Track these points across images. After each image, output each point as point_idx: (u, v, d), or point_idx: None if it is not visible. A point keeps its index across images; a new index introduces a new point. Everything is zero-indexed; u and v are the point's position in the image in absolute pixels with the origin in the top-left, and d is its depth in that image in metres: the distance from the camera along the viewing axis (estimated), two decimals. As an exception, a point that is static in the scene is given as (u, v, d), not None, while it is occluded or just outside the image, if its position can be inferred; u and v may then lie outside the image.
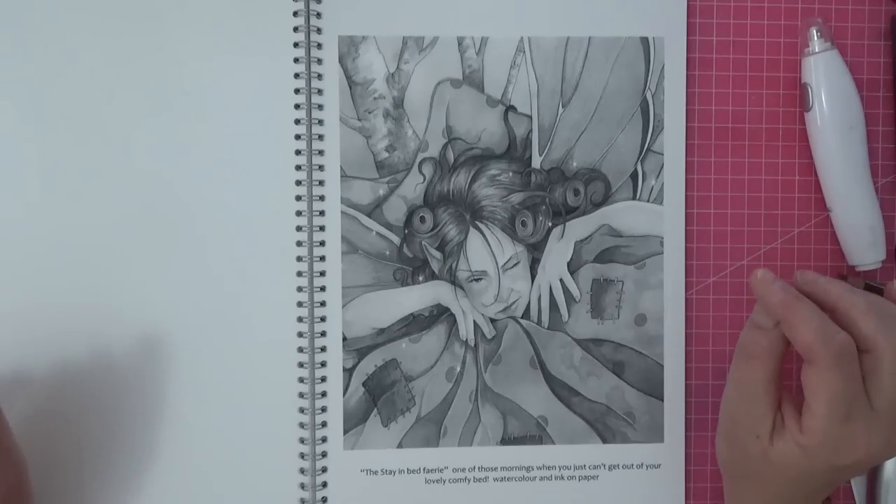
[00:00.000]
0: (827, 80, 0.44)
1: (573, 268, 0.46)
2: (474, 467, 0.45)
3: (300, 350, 0.44)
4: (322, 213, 0.44)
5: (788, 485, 0.37)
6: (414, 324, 0.45)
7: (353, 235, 0.45)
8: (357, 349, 0.45)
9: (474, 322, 0.45)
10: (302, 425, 0.44)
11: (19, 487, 0.38)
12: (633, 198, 0.46)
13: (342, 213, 0.45)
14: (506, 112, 0.45)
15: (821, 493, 0.38)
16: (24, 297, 0.43)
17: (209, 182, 0.44)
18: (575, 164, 0.45)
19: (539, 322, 0.46)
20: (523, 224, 0.45)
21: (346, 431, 0.45)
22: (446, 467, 0.45)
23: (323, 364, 0.45)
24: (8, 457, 0.38)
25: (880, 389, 0.35)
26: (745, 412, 0.37)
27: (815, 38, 0.44)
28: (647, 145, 0.45)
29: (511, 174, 0.45)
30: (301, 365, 0.44)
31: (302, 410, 0.44)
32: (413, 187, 0.45)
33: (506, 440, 0.46)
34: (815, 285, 0.37)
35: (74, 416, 0.44)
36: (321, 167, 0.44)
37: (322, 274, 0.44)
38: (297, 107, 0.44)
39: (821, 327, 0.34)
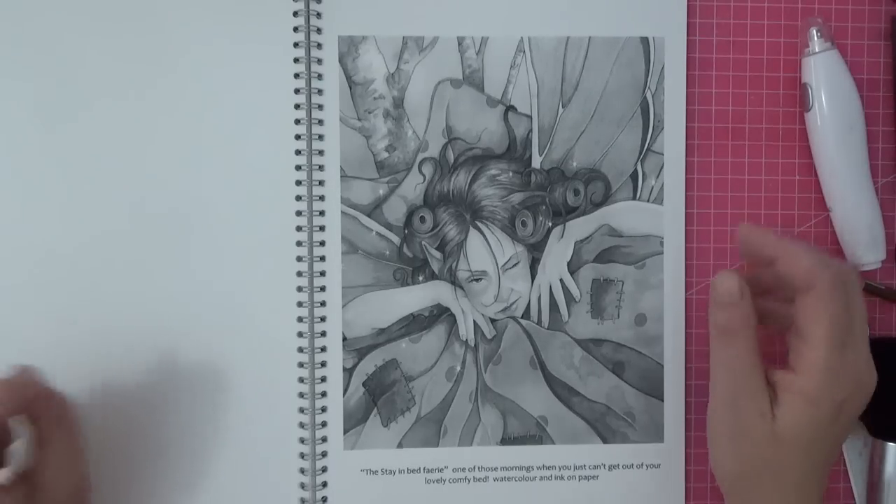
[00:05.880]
0: (827, 80, 0.44)
1: (573, 268, 0.46)
2: (474, 467, 0.45)
3: (300, 350, 0.44)
4: (322, 213, 0.44)
5: (799, 465, 0.36)
6: (414, 324, 0.45)
7: (353, 235, 0.45)
8: (357, 349, 0.45)
9: (474, 322, 0.45)
10: (302, 425, 0.44)
11: (82, 483, 0.38)
12: (633, 198, 0.46)
13: (342, 213, 0.45)
14: (506, 112, 0.45)
15: (828, 461, 0.37)
16: (25, 295, 0.44)
17: (209, 182, 0.44)
18: (575, 164, 0.45)
19: (539, 322, 0.46)
20: (523, 224, 0.45)
21: (346, 431, 0.45)
22: (446, 467, 0.45)
23: (323, 364, 0.45)
24: (79, 458, 0.38)
25: (856, 315, 0.36)
26: (743, 392, 0.37)
27: (815, 38, 0.44)
28: (647, 145, 0.45)
29: (511, 174, 0.45)
30: (301, 365, 0.44)
31: (302, 410, 0.44)
32: (413, 187, 0.45)
33: (506, 440, 0.46)
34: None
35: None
36: (321, 167, 0.44)
37: (322, 274, 0.45)
38: (297, 107, 0.44)
39: (819, 255, 0.36)
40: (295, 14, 0.44)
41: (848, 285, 0.36)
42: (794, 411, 0.36)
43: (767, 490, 0.37)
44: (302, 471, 0.44)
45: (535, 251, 0.46)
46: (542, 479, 0.46)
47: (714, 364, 0.39)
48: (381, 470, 0.45)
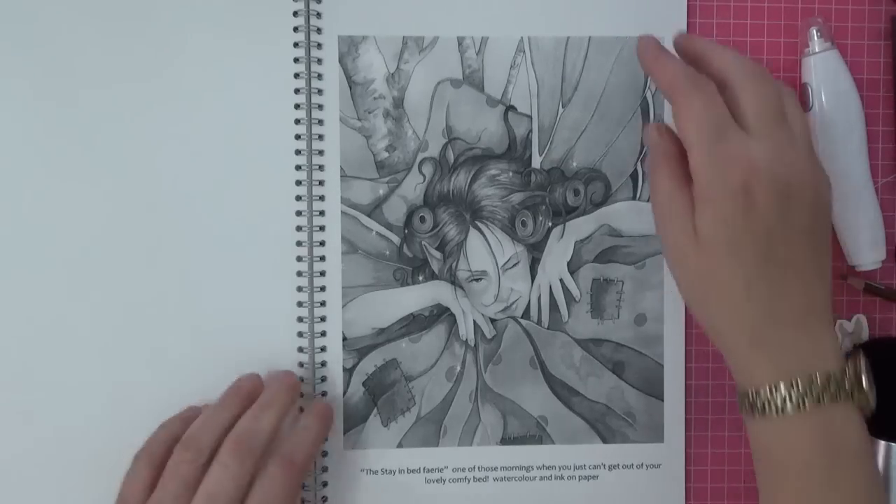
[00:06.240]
0: (827, 80, 0.44)
1: (573, 268, 0.46)
2: (474, 467, 0.45)
3: (300, 350, 0.44)
4: (322, 213, 0.44)
5: (736, 273, 0.36)
6: (414, 324, 0.45)
7: (353, 235, 0.45)
8: (357, 349, 0.45)
9: (474, 322, 0.45)
10: (302, 425, 0.44)
11: None
12: (633, 198, 0.46)
13: (342, 213, 0.45)
14: (506, 112, 0.45)
15: (771, 266, 0.36)
16: (20, 291, 0.44)
17: (209, 182, 0.44)
18: (575, 163, 0.45)
19: (539, 322, 0.46)
20: (523, 224, 0.45)
21: (346, 431, 0.45)
22: (446, 467, 0.45)
23: (323, 364, 0.45)
24: None
25: (745, 111, 0.37)
26: (668, 216, 0.38)
27: (815, 38, 0.44)
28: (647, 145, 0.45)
29: (511, 174, 0.45)
30: (301, 365, 0.44)
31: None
32: (413, 187, 0.45)
33: (506, 440, 0.46)
34: (689, 42, 0.40)
35: (60, 415, 0.44)
36: (321, 167, 0.44)
37: (322, 274, 0.45)
38: (297, 107, 0.44)
39: (680, 66, 0.38)
40: (295, 14, 0.44)
41: (711, 86, 0.37)
42: (702, 216, 0.36)
43: (718, 307, 0.37)
44: (302, 471, 0.44)
45: (535, 251, 0.46)
46: (542, 479, 0.46)
47: (653, 207, 0.40)
48: (381, 470, 0.45)
